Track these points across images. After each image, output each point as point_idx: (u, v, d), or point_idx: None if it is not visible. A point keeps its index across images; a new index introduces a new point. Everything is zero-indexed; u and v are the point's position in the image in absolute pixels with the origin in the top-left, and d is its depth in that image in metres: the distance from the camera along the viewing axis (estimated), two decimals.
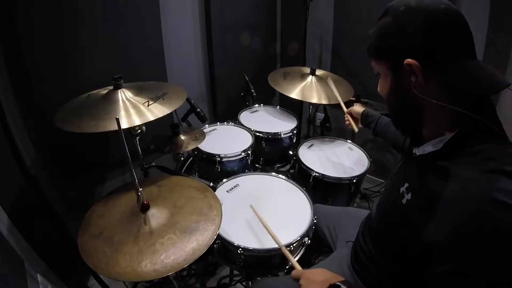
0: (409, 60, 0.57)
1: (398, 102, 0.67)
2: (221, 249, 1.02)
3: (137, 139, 1.10)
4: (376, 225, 0.79)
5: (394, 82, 0.64)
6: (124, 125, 0.88)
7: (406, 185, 0.67)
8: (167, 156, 1.60)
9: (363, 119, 1.26)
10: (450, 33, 0.56)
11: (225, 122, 1.68)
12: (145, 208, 0.85)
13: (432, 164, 0.61)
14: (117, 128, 0.75)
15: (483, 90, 0.57)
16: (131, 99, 0.98)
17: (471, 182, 0.52)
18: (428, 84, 0.58)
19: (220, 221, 0.87)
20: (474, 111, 0.55)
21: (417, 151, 0.67)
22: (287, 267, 1.02)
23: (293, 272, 0.78)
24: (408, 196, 0.65)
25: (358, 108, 1.31)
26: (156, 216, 0.86)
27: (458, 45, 0.57)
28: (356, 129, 1.30)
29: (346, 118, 1.34)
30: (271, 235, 0.90)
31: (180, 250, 0.77)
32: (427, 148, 0.63)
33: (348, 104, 1.64)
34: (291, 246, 0.96)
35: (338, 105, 1.44)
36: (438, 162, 0.60)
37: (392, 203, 0.72)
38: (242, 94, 1.79)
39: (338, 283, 0.67)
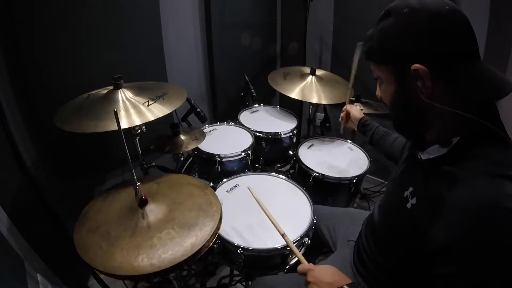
0: (416, 66, 0.55)
1: (403, 107, 0.65)
2: (221, 249, 1.02)
3: (137, 139, 1.10)
4: (379, 228, 0.79)
5: (398, 87, 0.63)
6: (124, 125, 0.88)
7: (411, 189, 0.67)
8: (167, 156, 1.60)
9: (360, 126, 1.23)
10: (456, 34, 0.55)
11: (225, 122, 1.68)
12: (143, 202, 0.85)
13: (438, 169, 0.60)
14: (117, 128, 0.75)
15: (491, 94, 0.56)
16: (131, 99, 0.98)
17: (478, 187, 0.52)
18: (435, 89, 0.57)
19: (220, 217, 0.87)
20: (479, 115, 0.54)
21: (423, 156, 0.66)
22: (287, 267, 1.02)
23: (300, 267, 0.76)
24: (413, 201, 0.65)
25: (357, 113, 1.26)
26: (155, 211, 0.85)
27: (464, 47, 0.56)
28: (342, 130, 1.28)
29: (342, 114, 1.29)
30: (272, 222, 0.88)
31: (178, 245, 0.77)
32: (432, 152, 0.63)
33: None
34: None
35: (339, 105, 1.44)
36: (443, 166, 0.59)
37: (396, 207, 0.71)
38: (242, 94, 1.79)
39: (345, 287, 0.66)
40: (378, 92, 0.71)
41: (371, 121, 1.22)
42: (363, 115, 1.25)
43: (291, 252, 0.93)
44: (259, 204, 0.93)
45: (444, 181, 0.57)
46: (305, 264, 0.77)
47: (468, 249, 0.50)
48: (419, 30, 0.56)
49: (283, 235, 0.85)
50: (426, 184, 0.63)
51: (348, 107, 1.29)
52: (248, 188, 0.99)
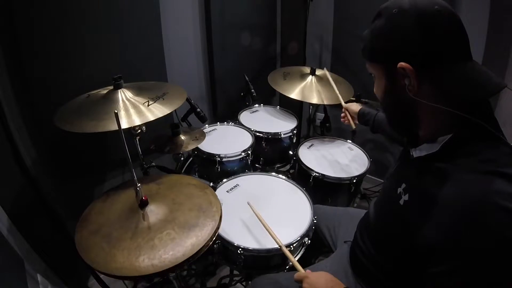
0: (402, 64, 0.57)
1: (393, 103, 0.67)
2: (221, 249, 1.02)
3: (137, 139, 1.10)
4: (374, 225, 0.80)
5: (388, 85, 0.64)
6: (124, 125, 0.88)
7: (403, 186, 0.68)
8: (167, 156, 1.60)
9: (360, 117, 1.28)
10: (444, 35, 0.56)
11: (225, 122, 1.68)
12: (143, 204, 0.85)
13: (429, 166, 0.61)
14: (117, 128, 0.75)
15: (479, 94, 0.57)
16: (131, 99, 0.98)
17: (468, 184, 0.53)
18: (423, 87, 0.58)
19: (220, 217, 0.87)
20: (470, 112, 0.55)
21: (414, 153, 0.67)
22: (287, 267, 1.02)
23: (296, 275, 0.78)
24: (405, 197, 0.66)
25: (355, 106, 1.32)
26: (155, 212, 0.86)
27: (453, 47, 0.56)
28: (353, 126, 1.31)
29: (342, 114, 1.35)
30: (270, 234, 0.90)
31: (179, 246, 0.77)
32: (424, 149, 0.64)
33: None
34: (291, 246, 0.96)
35: (338, 105, 1.44)
36: (435, 163, 0.60)
37: (389, 204, 0.72)
38: (242, 94, 1.79)
39: None
40: (374, 89, 0.72)
41: (369, 109, 1.26)
42: (360, 107, 1.30)
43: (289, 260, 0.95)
44: (258, 218, 0.95)
45: (435, 178, 0.58)
46: (301, 272, 0.79)
47: (461, 245, 0.51)
48: (406, 30, 0.57)
49: (280, 247, 0.87)
50: (418, 181, 0.64)
51: (345, 105, 1.36)
52: (248, 203, 1.01)
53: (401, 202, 0.66)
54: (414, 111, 0.62)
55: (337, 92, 1.43)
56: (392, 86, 0.63)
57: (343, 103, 1.37)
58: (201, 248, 0.77)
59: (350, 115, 1.34)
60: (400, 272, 0.68)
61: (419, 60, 0.56)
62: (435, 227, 0.55)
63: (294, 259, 0.84)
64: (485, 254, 0.49)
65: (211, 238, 0.80)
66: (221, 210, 0.89)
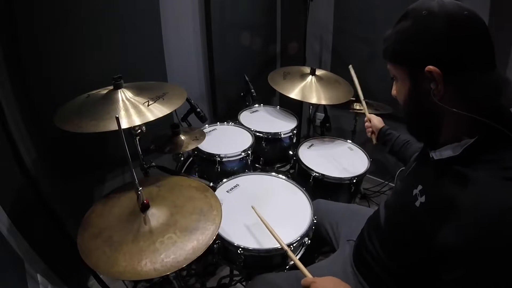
0: (430, 67, 0.56)
1: (415, 107, 0.66)
2: (221, 249, 1.02)
3: (137, 139, 1.10)
4: (385, 227, 0.78)
5: (411, 88, 0.63)
6: (124, 125, 0.88)
7: (420, 187, 0.66)
8: (167, 156, 1.59)
9: (381, 135, 1.19)
10: (472, 41, 0.55)
11: (225, 122, 1.68)
12: (145, 207, 0.85)
13: (449, 169, 0.60)
14: (117, 128, 0.75)
15: (503, 103, 0.57)
16: (131, 99, 0.98)
17: (490, 190, 0.52)
18: (448, 92, 0.57)
19: (220, 220, 0.87)
20: (493, 119, 0.54)
21: (435, 155, 0.65)
22: (287, 267, 1.02)
23: (303, 281, 0.76)
24: (422, 199, 0.65)
25: (377, 121, 1.22)
26: (156, 215, 0.86)
27: (480, 54, 0.56)
28: (375, 141, 1.21)
29: (367, 124, 1.25)
30: (276, 239, 0.88)
31: (180, 249, 0.77)
32: (445, 152, 0.62)
33: (349, 104, 1.64)
34: (291, 246, 0.96)
35: (338, 105, 1.44)
36: (455, 166, 0.59)
37: (404, 205, 0.71)
38: (242, 94, 1.79)
39: None
40: (393, 91, 0.71)
41: (391, 130, 1.18)
42: (383, 124, 1.21)
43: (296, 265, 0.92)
44: (263, 222, 0.93)
45: (456, 181, 0.57)
46: (308, 277, 0.77)
47: (478, 252, 0.50)
48: (436, 34, 0.56)
49: (286, 251, 0.86)
50: (437, 183, 0.63)
51: (369, 115, 1.27)
52: (252, 207, 0.99)
53: (417, 204, 0.65)
54: (436, 115, 0.61)
55: (364, 104, 1.30)
56: (416, 89, 0.62)
57: (367, 113, 1.27)
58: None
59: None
60: (410, 275, 0.67)
61: (446, 65, 0.55)
62: (453, 232, 0.54)
63: (301, 264, 0.81)
64: (503, 261, 0.48)
65: (212, 242, 0.80)
66: (221, 213, 0.89)
